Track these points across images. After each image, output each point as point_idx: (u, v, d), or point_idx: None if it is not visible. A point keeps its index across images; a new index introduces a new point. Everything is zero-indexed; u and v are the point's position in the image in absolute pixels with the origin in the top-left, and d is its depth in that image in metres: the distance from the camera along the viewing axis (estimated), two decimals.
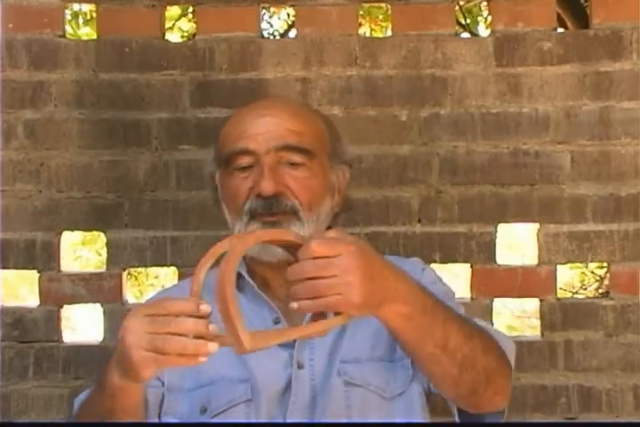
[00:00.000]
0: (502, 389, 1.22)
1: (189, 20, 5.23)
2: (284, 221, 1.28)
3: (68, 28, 3.07)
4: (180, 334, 0.99)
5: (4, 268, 1.98)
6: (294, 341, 1.29)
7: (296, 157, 1.31)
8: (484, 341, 1.18)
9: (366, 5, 3.34)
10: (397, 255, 1.89)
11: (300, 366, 1.29)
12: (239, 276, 1.38)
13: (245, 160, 1.31)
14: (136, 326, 1.02)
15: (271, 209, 1.28)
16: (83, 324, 5.73)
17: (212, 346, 0.98)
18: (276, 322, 1.32)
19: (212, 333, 0.99)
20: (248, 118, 1.34)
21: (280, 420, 1.25)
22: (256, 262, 1.35)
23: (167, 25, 2.57)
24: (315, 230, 1.29)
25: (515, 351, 1.31)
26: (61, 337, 1.99)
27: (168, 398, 1.31)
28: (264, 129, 1.31)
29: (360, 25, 2.37)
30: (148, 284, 6.85)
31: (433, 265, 1.95)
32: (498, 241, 2.00)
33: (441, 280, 1.42)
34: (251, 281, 1.35)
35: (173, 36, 5.29)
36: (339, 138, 1.42)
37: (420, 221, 1.99)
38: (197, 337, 0.99)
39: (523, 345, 1.98)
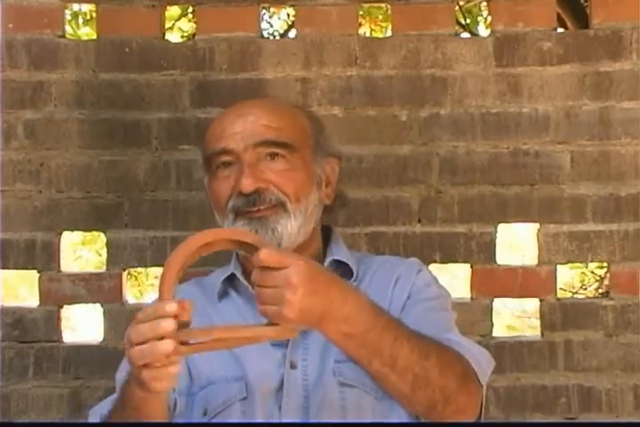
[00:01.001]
0: (465, 407, 1.22)
1: (189, 20, 5.22)
2: (271, 215, 1.29)
3: (68, 28, 3.07)
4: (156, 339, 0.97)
5: (4, 268, 1.98)
6: (287, 340, 1.29)
7: (275, 151, 1.31)
8: (444, 360, 1.18)
9: (366, 5, 3.34)
10: (398, 255, 1.91)
11: (292, 366, 1.29)
12: (235, 277, 1.38)
13: (225, 159, 1.32)
14: (127, 342, 1.02)
15: (254, 205, 1.28)
16: (83, 324, 5.72)
17: (164, 346, 0.95)
18: (270, 323, 1.32)
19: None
20: (227, 119, 1.35)
21: (276, 419, 1.25)
22: (250, 264, 1.35)
23: (167, 25, 2.57)
24: (301, 223, 1.30)
25: (492, 367, 1.31)
26: (61, 337, 1.99)
27: (179, 403, 1.30)
28: (241, 128, 1.32)
29: (360, 25, 2.37)
30: (148, 284, 6.84)
31: (433, 265, 1.96)
32: (498, 241, 2.00)
33: (436, 282, 1.42)
34: (245, 282, 1.36)
35: (173, 36, 5.28)
36: (323, 132, 1.42)
37: (420, 221, 1.99)
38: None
39: (523, 345, 1.98)
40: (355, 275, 1.38)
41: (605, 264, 2.16)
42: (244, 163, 1.29)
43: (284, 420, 1.25)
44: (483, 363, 1.27)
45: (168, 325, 0.95)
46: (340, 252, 1.41)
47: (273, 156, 1.31)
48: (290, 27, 5.39)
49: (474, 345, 1.30)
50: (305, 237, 1.33)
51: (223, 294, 1.39)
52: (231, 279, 1.39)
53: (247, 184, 1.27)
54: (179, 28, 5.55)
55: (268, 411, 1.26)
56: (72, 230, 2.08)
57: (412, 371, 1.14)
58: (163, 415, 1.15)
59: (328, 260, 1.38)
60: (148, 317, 0.98)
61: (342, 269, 1.38)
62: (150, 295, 5.83)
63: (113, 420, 1.20)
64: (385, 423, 1.26)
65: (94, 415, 1.33)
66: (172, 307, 0.96)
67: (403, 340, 1.13)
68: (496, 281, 1.99)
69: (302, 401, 1.26)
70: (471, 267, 2.00)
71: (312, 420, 1.25)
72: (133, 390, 1.08)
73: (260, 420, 1.26)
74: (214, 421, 1.28)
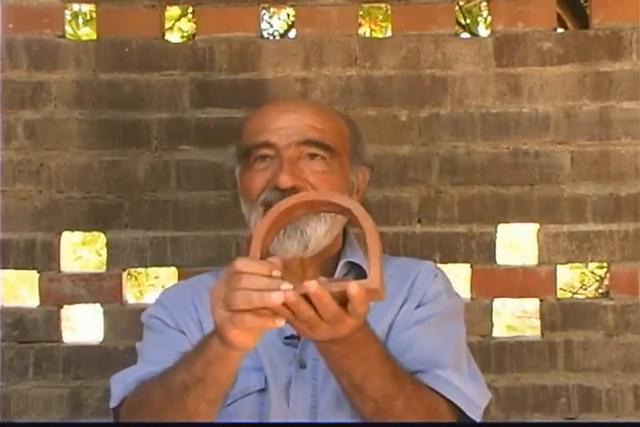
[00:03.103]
0: None
1: (189, 20, 5.23)
2: (302, 217, 1.28)
3: (68, 29, 3.07)
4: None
5: (4, 268, 1.98)
6: (299, 340, 1.30)
7: (316, 152, 1.31)
8: (412, 405, 1.17)
9: (366, 5, 3.33)
10: (398, 255, 1.90)
11: (302, 366, 1.29)
12: None
13: (265, 152, 1.31)
14: (215, 289, 1.01)
15: None
16: (83, 324, 5.73)
17: (277, 296, 0.94)
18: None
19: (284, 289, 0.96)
20: (271, 113, 1.35)
21: (284, 415, 1.26)
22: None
23: (167, 25, 2.57)
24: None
25: (487, 400, 1.31)
26: (61, 337, 1.99)
27: None
28: (286, 124, 1.31)
29: (360, 25, 2.37)
30: (148, 284, 6.85)
31: None
32: (498, 241, 2.00)
33: (449, 289, 1.40)
34: None
35: (173, 36, 5.29)
36: (360, 139, 1.42)
37: (419, 221, 1.99)
38: None
39: (523, 345, 1.98)
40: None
41: (605, 264, 2.16)
42: (285, 159, 1.29)
43: (292, 418, 1.25)
44: (475, 400, 1.27)
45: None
46: (353, 254, 1.40)
47: (313, 156, 1.31)
48: (290, 27, 5.40)
49: (468, 380, 1.29)
50: (330, 241, 1.33)
51: None
52: None
53: (286, 180, 1.26)
54: (179, 28, 5.55)
55: (280, 407, 1.27)
56: (72, 230, 2.07)
57: (375, 403, 1.15)
58: (230, 379, 1.14)
59: (342, 262, 1.37)
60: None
61: (356, 271, 1.38)
62: (150, 295, 5.83)
63: (169, 376, 1.18)
64: (386, 423, 1.26)
65: (119, 383, 1.31)
66: (277, 273, 0.98)
67: (375, 375, 1.14)
68: (496, 281, 1.99)
69: (311, 400, 1.27)
70: (471, 267, 2.00)
71: (320, 420, 1.25)
72: (214, 344, 1.06)
73: (272, 414, 1.26)
74: (231, 408, 1.27)
